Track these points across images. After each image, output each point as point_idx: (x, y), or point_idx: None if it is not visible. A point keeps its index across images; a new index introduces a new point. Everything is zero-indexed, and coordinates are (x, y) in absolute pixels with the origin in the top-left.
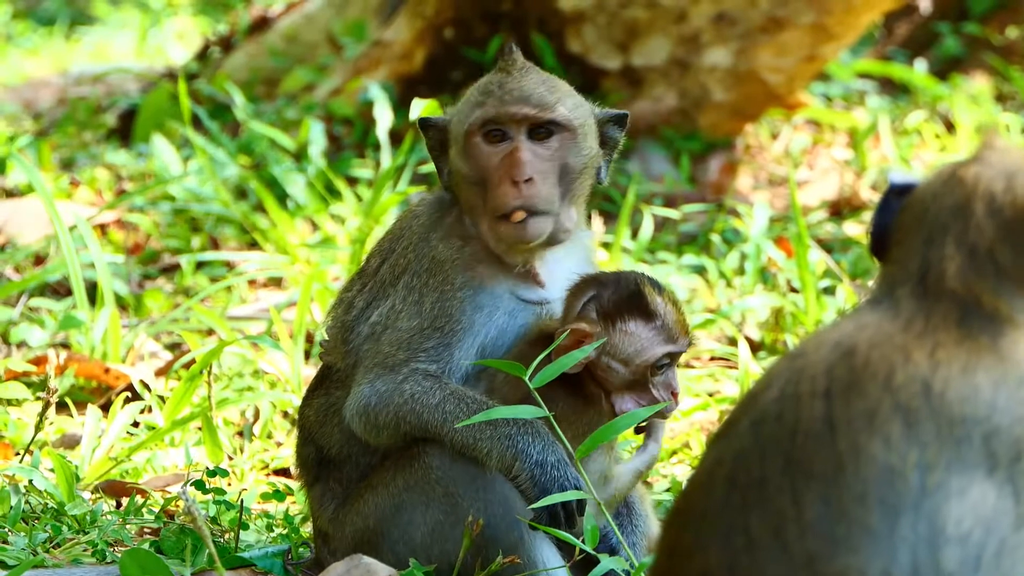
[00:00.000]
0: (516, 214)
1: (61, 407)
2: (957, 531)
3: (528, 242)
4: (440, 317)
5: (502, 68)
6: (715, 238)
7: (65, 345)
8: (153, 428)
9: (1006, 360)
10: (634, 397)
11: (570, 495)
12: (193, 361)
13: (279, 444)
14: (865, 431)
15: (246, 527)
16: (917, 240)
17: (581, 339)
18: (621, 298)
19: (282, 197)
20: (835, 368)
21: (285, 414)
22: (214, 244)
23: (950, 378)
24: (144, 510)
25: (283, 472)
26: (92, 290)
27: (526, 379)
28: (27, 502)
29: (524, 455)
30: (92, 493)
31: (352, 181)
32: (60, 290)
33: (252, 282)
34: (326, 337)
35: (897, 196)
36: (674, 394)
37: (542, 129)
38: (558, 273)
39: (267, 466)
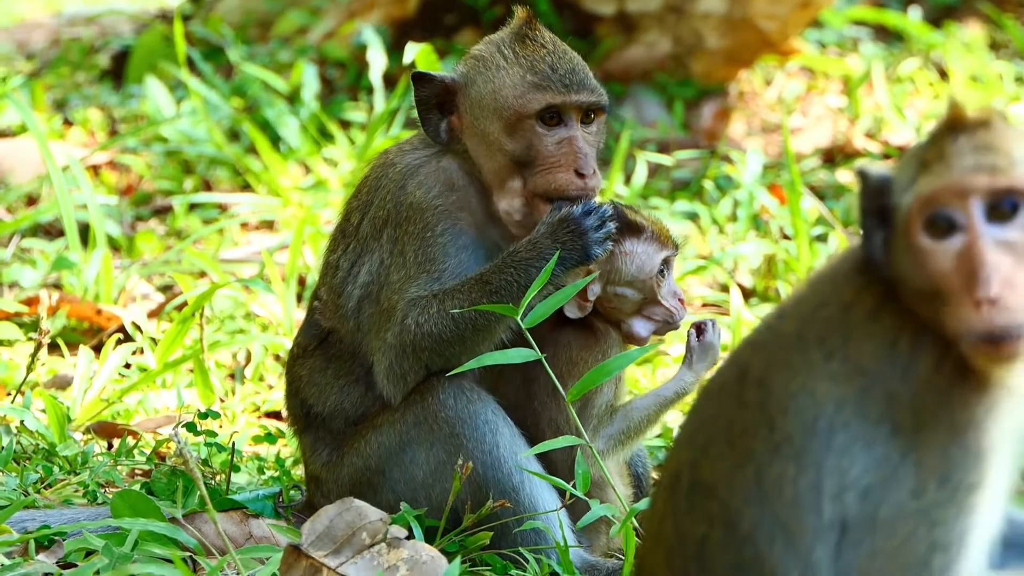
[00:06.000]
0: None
1: (53, 348)
2: (859, 482)
3: None
4: (426, 263)
5: (531, 39)
6: (708, 184)
7: (57, 286)
8: (145, 370)
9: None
10: (646, 316)
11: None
12: (185, 303)
13: (271, 387)
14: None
15: (237, 469)
16: None
17: (586, 276)
18: None
19: (275, 140)
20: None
21: (277, 357)
22: (207, 186)
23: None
24: (135, 451)
25: (274, 415)
26: (84, 231)
27: (518, 319)
28: (18, 443)
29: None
30: (83, 434)
31: (345, 124)
32: (52, 231)
33: (244, 225)
34: (321, 300)
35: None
36: (680, 300)
37: (591, 113)
38: None
39: (258, 408)
